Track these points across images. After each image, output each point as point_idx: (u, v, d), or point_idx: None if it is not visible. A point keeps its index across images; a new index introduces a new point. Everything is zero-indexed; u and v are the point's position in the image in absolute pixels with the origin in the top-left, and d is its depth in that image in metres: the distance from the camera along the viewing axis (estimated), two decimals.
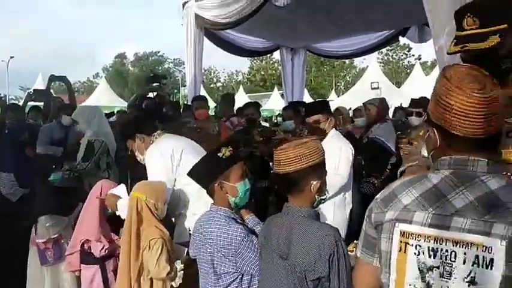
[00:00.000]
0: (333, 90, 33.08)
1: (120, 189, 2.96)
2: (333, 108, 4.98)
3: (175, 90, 47.63)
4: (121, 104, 21.19)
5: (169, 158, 2.91)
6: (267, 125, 11.75)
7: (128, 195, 2.76)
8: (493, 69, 1.35)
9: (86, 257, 2.99)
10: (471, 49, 1.43)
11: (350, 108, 6.82)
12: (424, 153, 1.31)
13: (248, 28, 7.01)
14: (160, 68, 56.88)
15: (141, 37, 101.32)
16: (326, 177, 1.74)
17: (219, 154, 2.07)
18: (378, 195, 1.28)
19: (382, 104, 4.94)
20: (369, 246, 1.28)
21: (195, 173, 2.17)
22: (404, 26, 7.30)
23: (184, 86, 7.33)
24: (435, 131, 1.18)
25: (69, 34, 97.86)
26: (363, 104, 5.23)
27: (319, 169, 1.69)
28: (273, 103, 24.41)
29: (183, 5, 6.82)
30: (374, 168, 4.31)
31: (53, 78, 6.00)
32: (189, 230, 2.73)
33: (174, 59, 56.79)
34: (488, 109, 1.07)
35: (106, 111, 9.38)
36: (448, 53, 1.65)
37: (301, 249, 1.58)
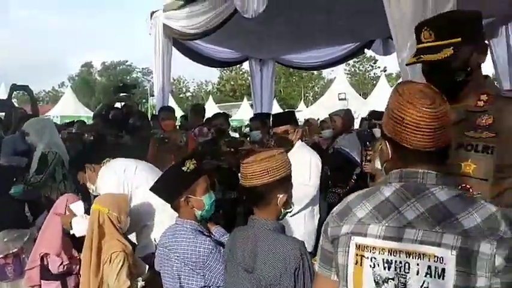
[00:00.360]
0: (302, 100, 33.46)
1: (79, 205, 2.89)
2: (301, 119, 5.05)
3: (144, 100, 46.99)
4: (87, 113, 20.74)
5: (122, 175, 2.95)
6: (236, 135, 11.77)
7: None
8: (448, 81, 1.49)
9: (46, 272, 2.88)
10: (426, 60, 1.48)
11: (318, 119, 6.92)
12: (378, 165, 1.35)
13: (217, 39, 7.02)
14: (128, 77, 56.01)
15: (109, 46, 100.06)
16: (292, 190, 1.74)
17: (183, 168, 2.03)
18: (333, 209, 1.30)
19: (347, 115, 5.04)
20: (326, 261, 1.29)
21: (158, 188, 2.12)
22: (369, 39, 7.50)
23: (153, 95, 7.23)
24: (387, 143, 1.21)
25: (33, 43, 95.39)
26: (329, 115, 5.31)
27: (285, 182, 1.69)
28: (243, 113, 24.47)
29: (151, 14, 6.78)
30: (339, 179, 4.38)
31: (14, 88, 5.84)
32: (155, 241, 2.69)
33: (142, 69, 56.14)
34: (437, 123, 1.11)
35: (67, 121, 9.17)
36: (406, 64, 1.69)
37: (266, 263, 1.57)
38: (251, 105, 20.40)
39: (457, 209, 1.09)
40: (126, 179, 2.95)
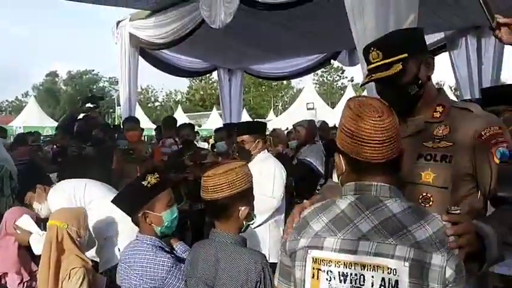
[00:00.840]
0: (272, 110, 33.66)
1: (26, 220, 2.79)
2: (271, 128, 5.07)
3: (111, 110, 46.15)
4: (52, 124, 20.18)
5: (72, 193, 2.95)
6: (205, 145, 11.70)
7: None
8: (402, 96, 1.54)
9: None
10: (377, 78, 1.53)
11: (287, 129, 6.97)
12: (335, 178, 1.37)
13: (185, 49, 7.00)
14: (95, 86, 55.00)
15: (75, 56, 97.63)
16: (255, 202, 1.74)
17: (143, 183, 1.98)
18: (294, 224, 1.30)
19: (310, 125, 5.03)
20: (284, 275, 1.30)
21: (119, 202, 2.07)
22: (335, 50, 7.65)
23: (120, 105, 7.13)
24: (341, 157, 1.23)
25: None
26: (293, 126, 5.31)
27: (247, 195, 1.68)
28: (212, 123, 24.38)
29: (117, 24, 6.69)
30: (304, 189, 4.40)
31: None
32: (119, 251, 2.65)
33: (109, 78, 55.23)
34: (385, 135, 1.13)
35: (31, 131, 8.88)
36: (360, 86, 1.76)
37: (228, 277, 1.56)
38: (220, 115, 20.38)
39: (409, 221, 1.12)
40: (76, 195, 2.93)
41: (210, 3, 5.11)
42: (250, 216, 1.70)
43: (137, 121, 5.00)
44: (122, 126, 6.16)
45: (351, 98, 1.25)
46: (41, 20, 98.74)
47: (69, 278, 2.28)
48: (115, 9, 6.30)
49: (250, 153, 3.35)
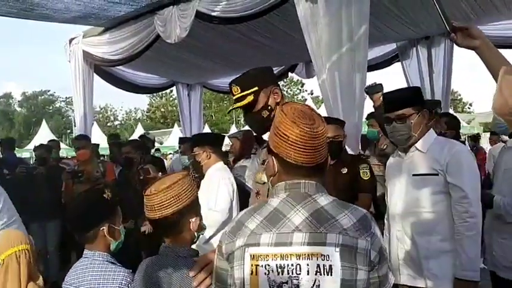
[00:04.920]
0: (234, 125, 33.68)
1: None
2: None
3: (69, 131, 44.84)
4: None
5: None
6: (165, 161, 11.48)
7: None
8: (257, 119, 1.99)
9: None
10: (236, 107, 2.02)
11: None
12: (264, 179, 1.48)
13: (141, 65, 6.90)
14: (51, 107, 53.35)
15: (28, 75, 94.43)
16: (201, 212, 1.69)
17: (104, 195, 1.89)
18: (226, 228, 1.35)
19: (246, 136, 4.57)
20: (221, 280, 1.31)
21: (75, 216, 1.91)
22: (292, 63, 7.75)
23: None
24: (274, 159, 1.30)
25: None
26: (228, 137, 5.05)
27: (195, 205, 1.63)
28: (174, 140, 24.09)
29: (70, 41, 6.53)
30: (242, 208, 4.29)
31: None
32: None
33: (66, 98, 53.68)
34: (317, 141, 1.23)
35: None
36: (228, 112, 2.05)
37: None
38: (182, 131, 20.18)
39: (335, 212, 1.23)
40: None
41: (164, 19, 5.08)
42: (201, 226, 1.65)
43: (88, 139, 4.83)
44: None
45: (284, 104, 1.34)
46: None
47: None
48: (67, 26, 6.12)
49: (200, 166, 3.38)
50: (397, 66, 6.96)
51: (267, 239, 1.21)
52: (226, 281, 1.29)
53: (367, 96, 3.36)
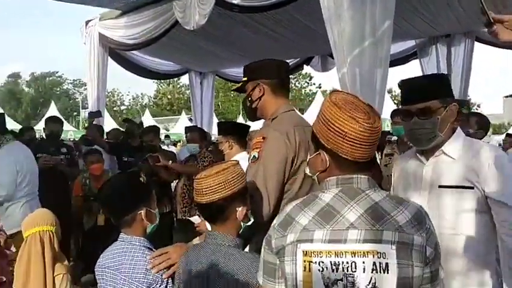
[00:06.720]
0: (240, 115, 33.64)
1: None
2: None
3: (75, 113, 44.97)
4: (13, 126, 19.39)
5: None
6: (174, 148, 11.51)
7: None
8: (245, 105, 2.21)
9: None
10: (233, 89, 2.43)
11: None
12: (308, 172, 1.40)
13: (157, 51, 6.88)
14: (58, 89, 53.45)
15: (38, 57, 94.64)
16: (249, 202, 1.68)
17: (140, 179, 1.90)
18: (274, 221, 1.32)
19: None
20: (269, 273, 1.30)
21: (113, 200, 1.88)
22: (308, 55, 7.69)
23: (85, 108, 6.86)
24: (325, 154, 1.28)
25: None
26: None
27: (242, 194, 1.62)
28: (181, 127, 24.12)
29: (86, 23, 6.50)
30: None
31: None
32: None
33: (73, 80, 53.77)
34: (375, 137, 1.22)
35: None
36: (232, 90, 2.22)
37: (225, 281, 1.50)
38: (190, 119, 20.15)
39: (390, 208, 1.20)
40: None
41: (184, 5, 5.03)
42: (247, 216, 1.65)
43: (101, 154, 4.78)
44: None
45: (333, 93, 1.29)
46: (3, 18, 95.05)
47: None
48: (82, 9, 6.10)
49: (222, 154, 3.45)
50: (414, 63, 6.90)
51: (320, 235, 1.20)
52: (274, 275, 1.28)
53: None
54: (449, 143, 1.88)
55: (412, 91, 1.92)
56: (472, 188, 1.78)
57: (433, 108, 1.82)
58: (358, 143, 1.19)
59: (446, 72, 6.18)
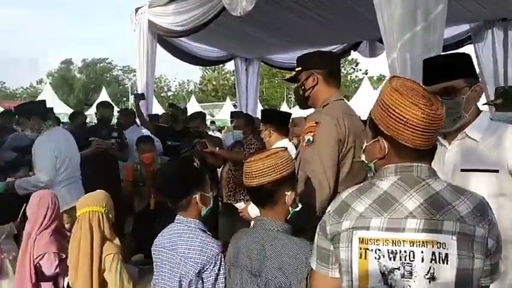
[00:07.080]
0: (285, 102, 33.51)
1: None
2: None
3: (124, 99, 46.42)
4: (66, 110, 20.33)
5: None
6: (219, 134, 11.67)
7: None
8: (297, 93, 2.31)
9: (40, 275, 2.65)
10: (286, 78, 2.52)
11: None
12: (363, 158, 1.36)
13: (203, 37, 6.94)
14: (108, 75, 55.33)
15: (89, 43, 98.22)
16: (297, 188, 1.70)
17: (194, 164, 1.97)
18: (329, 208, 1.31)
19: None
20: (323, 259, 1.30)
21: (170, 185, 1.95)
22: (356, 40, 7.52)
23: (134, 94, 7.10)
24: (384, 140, 1.24)
25: (12, 40, 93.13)
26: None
27: (291, 179, 1.64)
28: (226, 113, 24.37)
29: (136, 10, 6.65)
30: None
31: None
32: None
33: (123, 66, 55.47)
34: (438, 124, 1.18)
35: None
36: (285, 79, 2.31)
37: (275, 266, 1.51)
38: (234, 105, 20.31)
39: (451, 198, 1.17)
40: None
41: None
42: (295, 202, 1.66)
43: (153, 142, 4.87)
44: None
45: (393, 79, 1.24)
46: (54, 7, 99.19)
47: (109, 267, 2.25)
48: None
49: (262, 141, 3.59)
50: (468, 49, 6.57)
51: (377, 223, 1.18)
52: (328, 260, 1.28)
53: None
54: (473, 126, 1.83)
55: (436, 70, 1.85)
56: (496, 171, 1.75)
57: (458, 87, 1.79)
58: (419, 130, 1.16)
59: (502, 58, 5.87)
